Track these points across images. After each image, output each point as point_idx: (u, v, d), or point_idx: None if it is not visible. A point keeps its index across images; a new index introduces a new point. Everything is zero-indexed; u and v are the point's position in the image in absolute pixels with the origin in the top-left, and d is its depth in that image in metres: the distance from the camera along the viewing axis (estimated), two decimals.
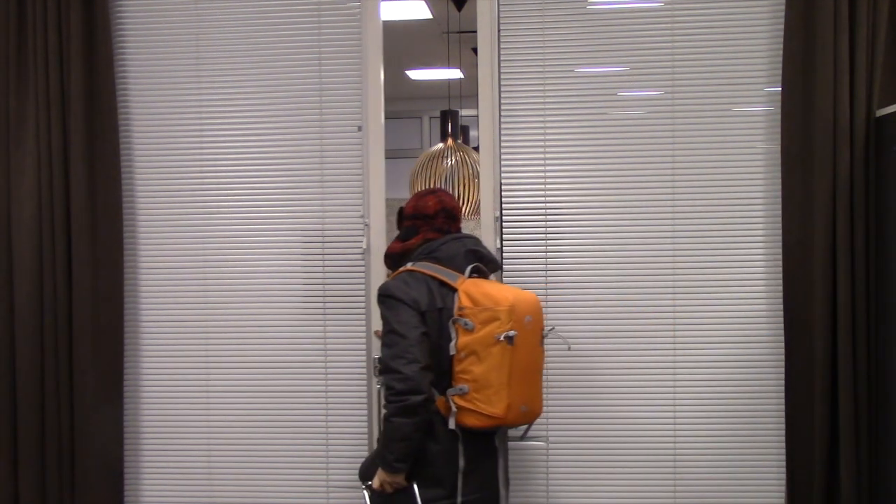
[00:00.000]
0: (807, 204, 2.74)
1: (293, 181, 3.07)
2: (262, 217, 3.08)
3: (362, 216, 3.04)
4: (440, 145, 5.28)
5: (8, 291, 3.03)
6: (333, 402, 3.05)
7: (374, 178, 3.03)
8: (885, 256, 2.65)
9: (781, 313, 2.81)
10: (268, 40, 3.07)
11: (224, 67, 3.09)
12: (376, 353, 2.93)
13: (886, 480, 2.64)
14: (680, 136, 2.92)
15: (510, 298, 2.37)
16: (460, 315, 2.39)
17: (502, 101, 2.98)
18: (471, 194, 5.06)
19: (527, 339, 2.39)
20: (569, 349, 2.87)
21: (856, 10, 2.70)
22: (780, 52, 2.79)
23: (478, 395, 2.35)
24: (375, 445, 2.90)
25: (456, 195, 5.03)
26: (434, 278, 2.46)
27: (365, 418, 3.04)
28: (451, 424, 2.39)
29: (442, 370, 2.40)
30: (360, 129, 3.03)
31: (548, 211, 2.97)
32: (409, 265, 2.52)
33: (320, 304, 3.06)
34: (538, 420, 2.56)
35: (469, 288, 2.41)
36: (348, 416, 3.05)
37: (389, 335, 2.37)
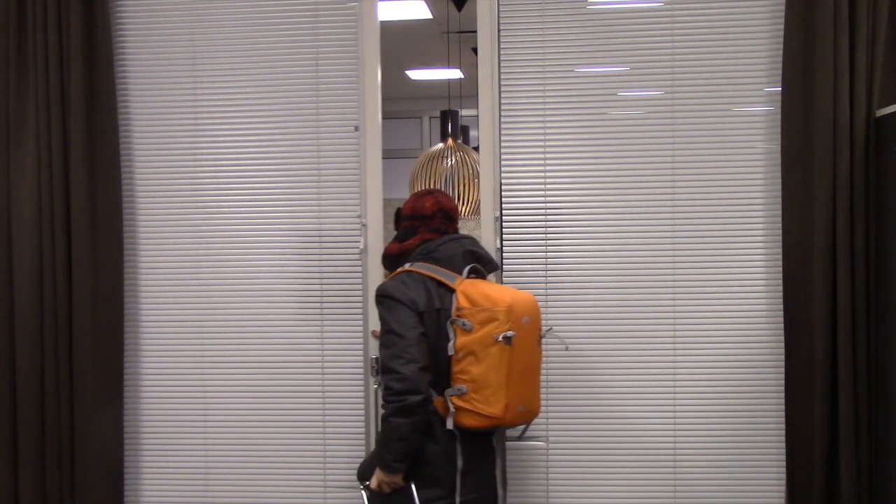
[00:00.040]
0: (807, 204, 2.74)
1: (291, 181, 3.07)
2: (260, 217, 3.08)
3: (359, 216, 3.04)
4: (440, 145, 5.28)
5: (8, 291, 3.03)
6: (331, 403, 3.05)
7: (372, 178, 3.02)
8: (885, 256, 2.64)
9: (781, 313, 2.80)
10: (266, 40, 3.07)
11: (223, 67, 3.09)
12: (373, 353, 2.93)
13: (886, 480, 2.63)
14: (680, 137, 2.92)
15: (508, 299, 2.37)
16: (458, 315, 2.38)
17: (502, 101, 2.98)
18: (471, 194, 5.06)
19: (525, 339, 2.39)
20: (566, 349, 2.87)
21: (856, 10, 2.70)
22: (780, 52, 2.78)
23: (476, 396, 2.35)
24: (373, 445, 2.90)
25: (456, 195, 5.04)
26: (432, 279, 2.46)
27: (362, 418, 3.03)
28: (450, 425, 2.39)
29: (440, 370, 2.40)
30: (357, 129, 3.03)
31: (548, 211, 2.97)
32: (406, 266, 2.52)
33: (317, 305, 3.06)
34: (538, 420, 2.56)
35: (467, 288, 2.41)
36: (345, 417, 3.05)
37: (387, 335, 2.37)
